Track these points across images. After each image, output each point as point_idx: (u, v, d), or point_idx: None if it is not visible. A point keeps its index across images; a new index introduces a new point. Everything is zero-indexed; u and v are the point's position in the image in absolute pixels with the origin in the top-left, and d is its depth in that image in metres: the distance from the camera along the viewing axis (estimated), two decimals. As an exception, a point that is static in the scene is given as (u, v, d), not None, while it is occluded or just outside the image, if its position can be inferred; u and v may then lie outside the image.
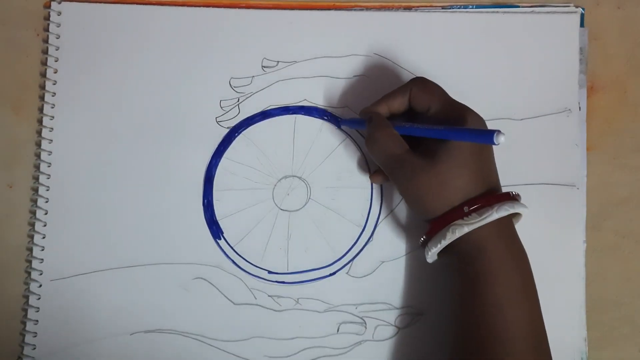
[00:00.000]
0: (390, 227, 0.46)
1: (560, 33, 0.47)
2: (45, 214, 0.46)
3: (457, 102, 0.40)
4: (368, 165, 0.46)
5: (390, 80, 0.46)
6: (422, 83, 0.41)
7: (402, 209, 0.46)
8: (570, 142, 0.46)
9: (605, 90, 0.47)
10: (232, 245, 0.46)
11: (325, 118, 0.46)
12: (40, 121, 0.47)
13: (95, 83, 0.47)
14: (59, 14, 0.47)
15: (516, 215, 0.39)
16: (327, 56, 0.47)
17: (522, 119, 0.46)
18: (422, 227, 0.41)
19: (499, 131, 0.33)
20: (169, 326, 0.45)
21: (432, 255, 0.39)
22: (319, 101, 0.46)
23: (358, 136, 0.46)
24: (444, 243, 0.38)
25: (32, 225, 0.46)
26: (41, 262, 0.45)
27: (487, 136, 0.34)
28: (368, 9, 0.47)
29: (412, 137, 0.40)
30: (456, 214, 0.38)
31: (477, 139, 0.36)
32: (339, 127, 0.46)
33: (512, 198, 0.39)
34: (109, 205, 0.46)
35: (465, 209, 0.37)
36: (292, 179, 0.46)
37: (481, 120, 0.39)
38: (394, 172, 0.40)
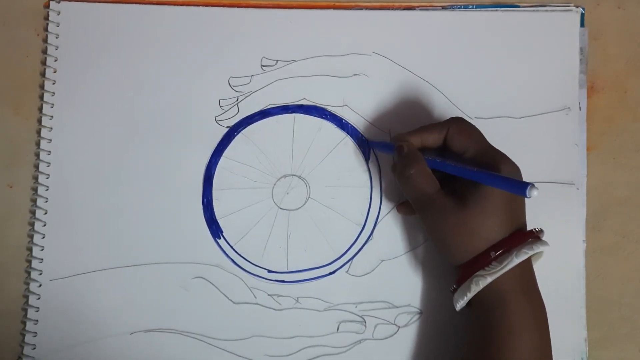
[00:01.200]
0: (390, 226, 0.46)
1: (560, 33, 0.47)
2: (45, 214, 0.46)
3: (494, 149, 0.40)
4: (368, 166, 0.46)
5: (390, 80, 0.46)
6: (460, 125, 0.40)
7: (401, 209, 0.46)
8: (570, 141, 0.46)
9: (605, 90, 0.47)
10: (231, 245, 0.46)
11: (325, 117, 0.46)
12: (40, 121, 0.47)
13: (95, 83, 0.47)
14: (59, 13, 0.47)
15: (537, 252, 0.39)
16: (326, 55, 0.47)
17: (521, 117, 0.46)
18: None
19: (532, 185, 0.33)
20: (168, 325, 0.45)
21: (460, 305, 0.39)
22: (318, 100, 0.46)
23: (357, 136, 0.46)
24: (470, 296, 0.38)
25: (32, 225, 0.46)
26: (41, 262, 0.45)
27: (520, 188, 0.34)
28: (368, 8, 0.47)
29: (443, 172, 0.39)
30: (480, 262, 0.37)
31: (509, 188, 0.35)
32: (367, 145, 0.46)
33: (535, 236, 0.38)
34: (108, 204, 0.46)
35: (492, 254, 0.37)
36: (291, 178, 0.46)
37: (516, 169, 0.38)
38: (424, 211, 0.40)
